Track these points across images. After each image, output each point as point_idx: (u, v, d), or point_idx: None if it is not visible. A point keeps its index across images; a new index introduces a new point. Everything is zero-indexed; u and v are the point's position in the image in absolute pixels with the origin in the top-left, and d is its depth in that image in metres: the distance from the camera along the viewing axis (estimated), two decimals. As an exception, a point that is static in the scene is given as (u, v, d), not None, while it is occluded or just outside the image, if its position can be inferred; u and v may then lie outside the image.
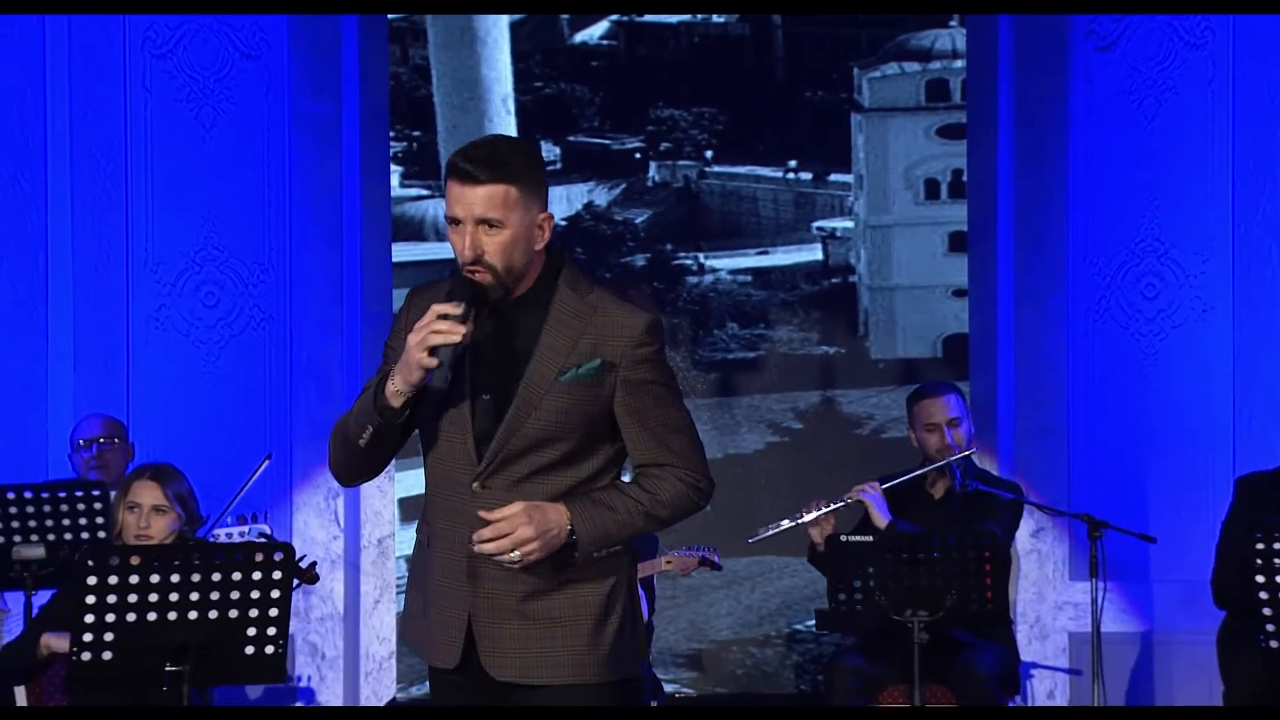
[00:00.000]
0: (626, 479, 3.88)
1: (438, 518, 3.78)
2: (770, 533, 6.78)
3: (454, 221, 3.70)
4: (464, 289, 3.67)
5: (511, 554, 3.65)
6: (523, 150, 3.76)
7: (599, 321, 3.74)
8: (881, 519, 6.70)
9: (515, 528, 3.65)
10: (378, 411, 3.66)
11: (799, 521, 6.73)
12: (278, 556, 5.02)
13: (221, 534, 6.44)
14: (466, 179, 3.67)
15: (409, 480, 8.24)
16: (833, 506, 6.70)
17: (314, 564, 6.16)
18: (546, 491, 3.71)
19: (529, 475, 3.71)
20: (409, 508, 8.29)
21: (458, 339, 3.60)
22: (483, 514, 3.67)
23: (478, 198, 3.67)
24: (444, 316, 3.61)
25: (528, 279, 3.74)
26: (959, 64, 8.42)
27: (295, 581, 5.93)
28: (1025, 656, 7.44)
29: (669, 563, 6.91)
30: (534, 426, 3.70)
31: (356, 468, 3.79)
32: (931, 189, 8.47)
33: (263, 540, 6.16)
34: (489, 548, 3.65)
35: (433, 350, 3.60)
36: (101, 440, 7.32)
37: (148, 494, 5.84)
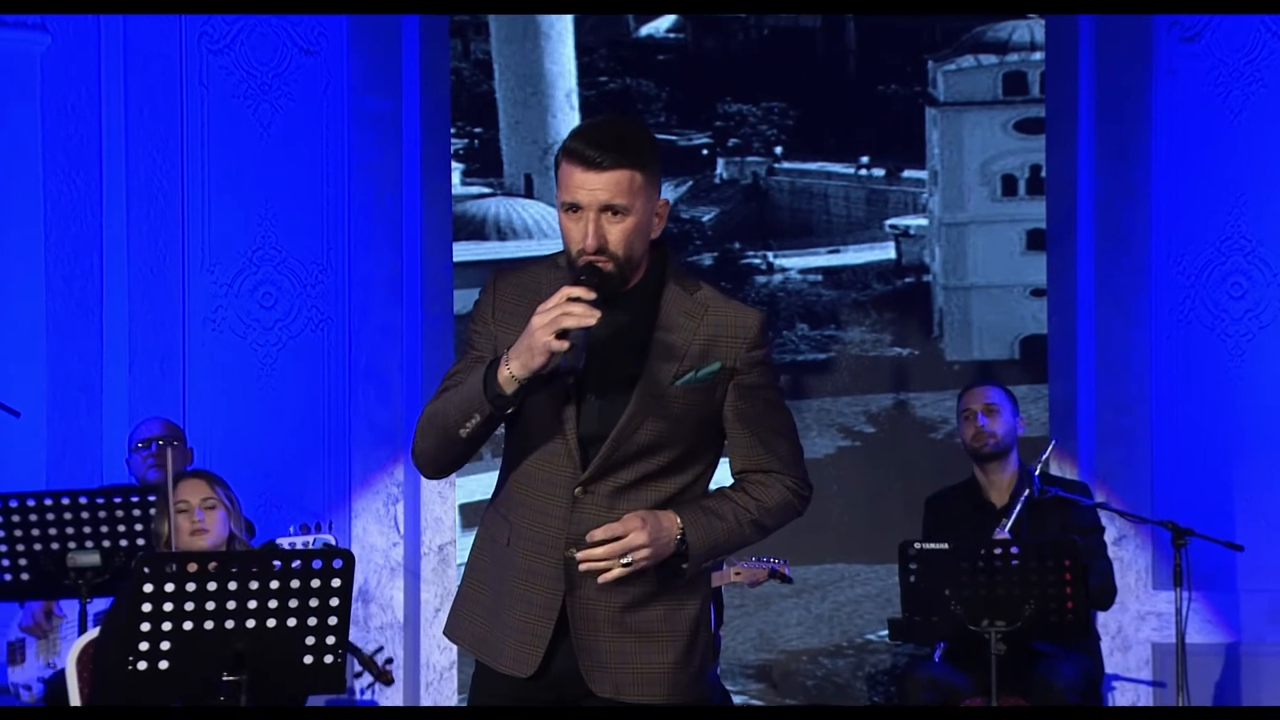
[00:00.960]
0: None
1: (523, 517, 3.68)
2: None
3: (572, 209, 3.59)
4: (593, 275, 3.56)
5: (622, 559, 3.58)
6: (644, 132, 3.67)
7: (710, 321, 3.67)
8: None
9: (628, 531, 3.58)
10: (489, 400, 3.54)
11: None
12: (337, 564, 5.02)
13: (284, 543, 6.46)
14: (590, 164, 3.57)
15: (470, 486, 8.25)
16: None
17: (390, 660, 6.21)
18: (650, 499, 3.65)
19: (634, 482, 3.64)
20: (470, 514, 8.30)
21: (592, 322, 3.48)
22: (594, 534, 3.59)
23: (602, 183, 3.57)
24: (575, 300, 3.51)
25: (639, 270, 3.66)
26: (1038, 56, 8.37)
27: (369, 680, 5.98)
28: (1107, 668, 7.39)
29: (738, 574, 6.88)
30: (647, 433, 3.63)
31: (448, 460, 3.68)
32: (1009, 185, 8.42)
33: (323, 549, 6.18)
34: (599, 559, 3.57)
35: (562, 334, 3.48)
36: (160, 441, 7.36)
37: (195, 490, 5.86)
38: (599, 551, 3.58)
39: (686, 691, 3.71)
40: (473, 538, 3.87)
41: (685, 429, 3.65)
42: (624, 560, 3.57)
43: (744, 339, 3.68)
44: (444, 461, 3.69)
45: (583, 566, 3.60)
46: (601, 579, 3.60)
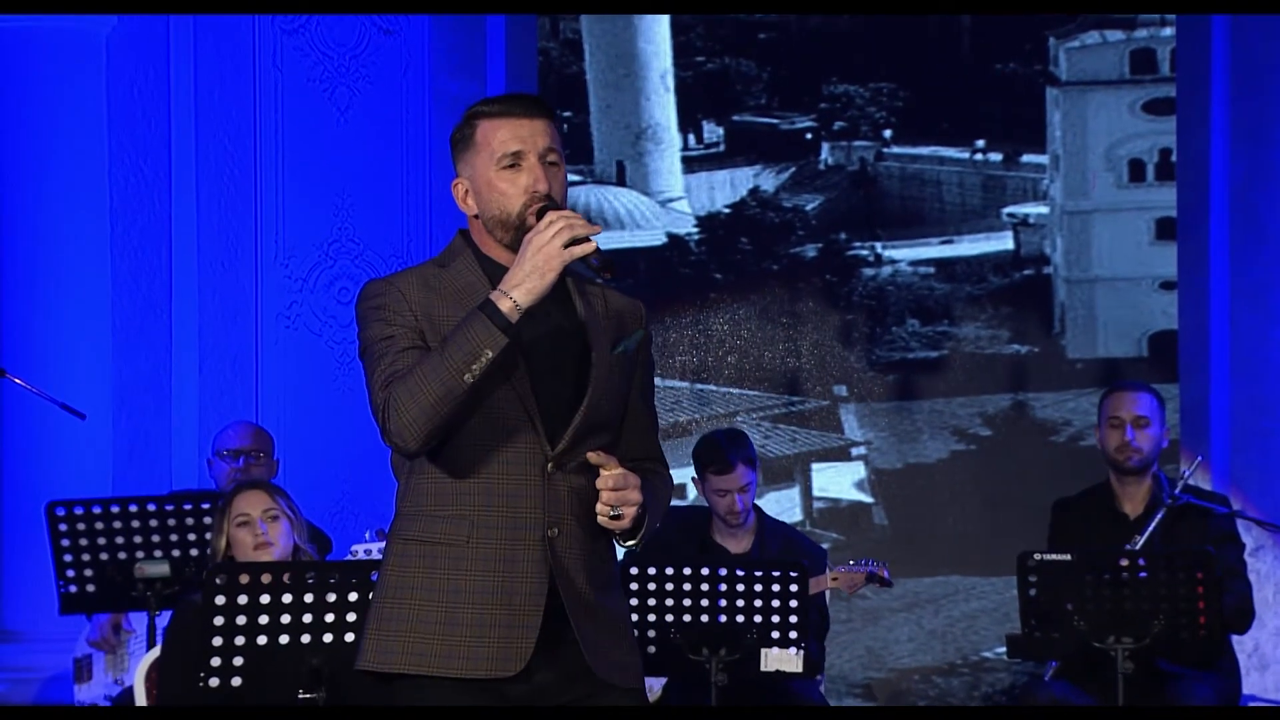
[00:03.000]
0: None
1: (489, 504, 3.71)
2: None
3: (513, 161, 3.74)
4: (558, 208, 3.73)
5: (613, 511, 3.68)
6: None
7: (608, 300, 3.85)
8: None
9: (630, 486, 3.69)
10: (500, 329, 3.61)
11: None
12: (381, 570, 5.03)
13: (360, 550, 6.48)
14: (523, 114, 3.76)
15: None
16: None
17: None
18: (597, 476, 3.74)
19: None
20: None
21: (599, 230, 3.66)
22: (602, 464, 3.67)
23: (539, 130, 3.76)
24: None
25: None
26: (1168, 32, 8.31)
27: None
28: (1244, 689, 7.32)
29: (835, 579, 6.85)
30: (607, 403, 3.77)
31: (443, 421, 3.66)
32: (1136, 170, 8.36)
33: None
34: (610, 497, 3.67)
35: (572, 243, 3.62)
36: (249, 453, 7.35)
37: (255, 502, 5.85)
38: (608, 496, 3.68)
39: (641, 685, 3.84)
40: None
41: (621, 402, 3.82)
42: (613, 512, 3.68)
43: (639, 317, 3.88)
44: (437, 424, 3.67)
45: (601, 483, 3.67)
46: (600, 509, 3.69)
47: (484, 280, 3.73)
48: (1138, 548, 6.57)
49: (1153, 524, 6.65)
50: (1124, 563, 6.27)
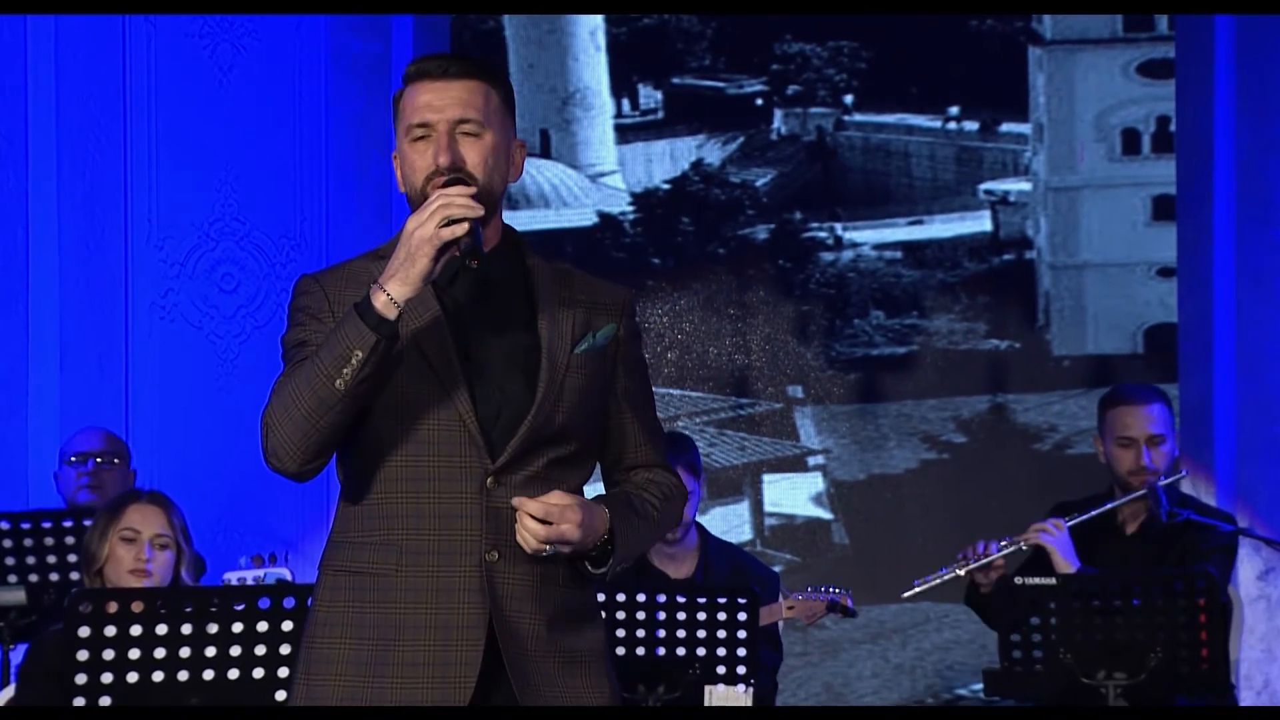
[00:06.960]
0: None
1: (420, 528, 3.74)
2: (928, 584, 6.73)
3: (419, 134, 3.76)
4: (460, 184, 3.71)
5: (544, 548, 3.69)
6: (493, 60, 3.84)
7: (580, 287, 3.87)
8: (1068, 566, 6.64)
9: (564, 521, 3.69)
10: (372, 327, 3.60)
11: (964, 570, 6.67)
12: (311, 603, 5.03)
13: (232, 578, 6.46)
14: (437, 75, 3.76)
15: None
16: (1003, 551, 6.63)
17: None
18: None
19: (543, 470, 3.77)
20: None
21: (481, 211, 3.63)
22: (521, 501, 3.69)
23: (452, 96, 3.75)
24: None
25: (494, 230, 3.80)
26: (1165, -16, 8.37)
27: None
28: (1251, 730, 7.38)
29: (791, 608, 6.89)
30: (563, 407, 3.78)
31: (320, 437, 3.72)
32: (1130, 141, 8.41)
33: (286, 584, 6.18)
34: (539, 532, 3.67)
35: (451, 223, 3.62)
36: (100, 458, 7.35)
37: (150, 521, 5.84)
38: (538, 531, 3.69)
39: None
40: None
41: (590, 407, 3.82)
42: (545, 549, 3.69)
43: (620, 305, 3.90)
44: (314, 440, 3.73)
45: (523, 533, 3.68)
46: (524, 538, 3.70)
47: None
48: (1072, 523, 6.62)
49: (1104, 508, 6.71)
50: (1116, 587, 6.31)
